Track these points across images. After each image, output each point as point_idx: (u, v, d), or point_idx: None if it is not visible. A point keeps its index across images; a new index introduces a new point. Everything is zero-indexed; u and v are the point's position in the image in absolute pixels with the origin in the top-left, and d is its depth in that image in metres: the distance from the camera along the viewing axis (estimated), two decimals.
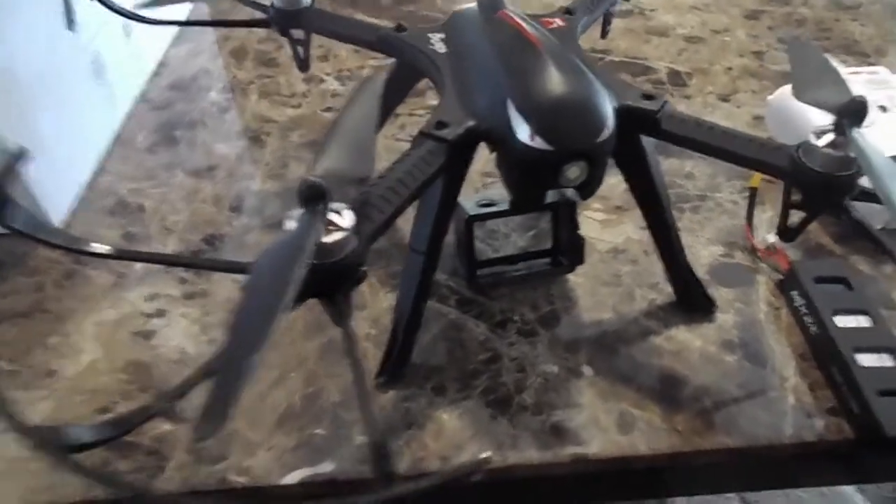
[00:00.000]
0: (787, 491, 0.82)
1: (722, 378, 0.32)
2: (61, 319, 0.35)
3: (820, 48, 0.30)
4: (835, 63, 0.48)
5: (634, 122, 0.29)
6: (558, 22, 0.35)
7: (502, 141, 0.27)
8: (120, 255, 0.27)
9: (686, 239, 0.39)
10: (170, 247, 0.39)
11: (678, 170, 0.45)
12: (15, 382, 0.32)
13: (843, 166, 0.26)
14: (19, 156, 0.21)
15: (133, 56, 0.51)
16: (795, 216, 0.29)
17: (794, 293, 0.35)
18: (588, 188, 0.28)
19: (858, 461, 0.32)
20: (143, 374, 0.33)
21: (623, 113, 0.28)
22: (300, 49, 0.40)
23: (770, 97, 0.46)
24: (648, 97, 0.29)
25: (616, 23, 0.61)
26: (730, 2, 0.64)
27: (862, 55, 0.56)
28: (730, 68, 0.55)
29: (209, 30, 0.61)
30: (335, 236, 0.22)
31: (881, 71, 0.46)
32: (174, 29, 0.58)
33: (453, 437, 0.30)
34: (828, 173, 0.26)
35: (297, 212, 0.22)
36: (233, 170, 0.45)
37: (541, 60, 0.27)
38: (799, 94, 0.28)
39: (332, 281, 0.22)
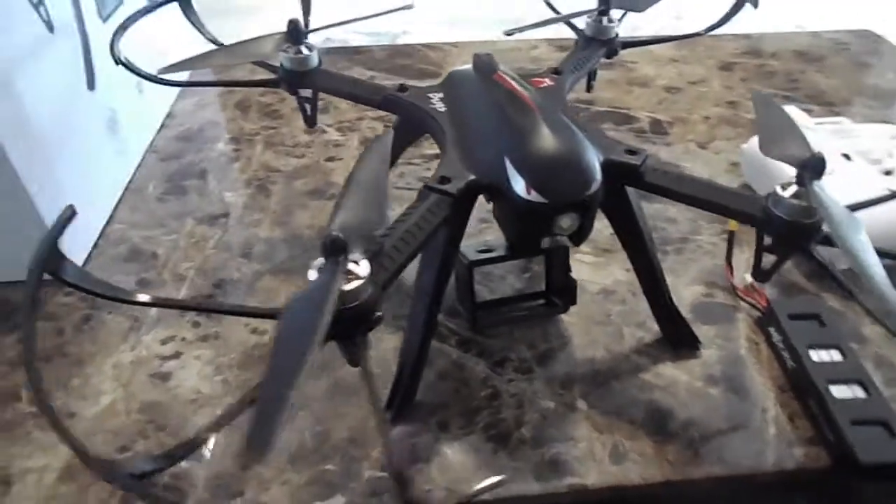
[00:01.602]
0: None
1: (708, 411, 0.35)
2: (81, 363, 0.37)
3: (780, 105, 0.33)
4: (802, 113, 0.52)
5: (619, 174, 0.32)
6: (547, 82, 0.38)
7: (500, 194, 0.30)
8: (156, 304, 0.29)
9: (669, 279, 0.42)
10: (182, 292, 0.41)
11: (661, 214, 0.48)
12: (39, 424, 0.34)
13: (806, 214, 0.29)
14: (70, 216, 0.23)
15: (144, 111, 0.54)
16: (769, 258, 0.32)
17: (772, 329, 0.38)
18: (579, 235, 0.31)
19: (832, 492, 0.34)
20: (160, 413, 0.35)
21: (609, 167, 0.31)
22: (307, 106, 0.42)
23: (744, 145, 0.49)
24: (631, 152, 0.32)
25: (601, 74, 0.65)
26: (706, 54, 0.69)
27: (828, 105, 0.61)
28: (707, 117, 0.59)
29: None
30: (354, 284, 0.24)
31: (844, 121, 0.49)
32: None
33: (458, 471, 0.32)
34: (794, 221, 0.29)
35: (319, 262, 0.24)
36: (241, 217, 0.47)
37: (534, 120, 0.30)
38: (765, 150, 0.31)
39: (351, 324, 0.24)
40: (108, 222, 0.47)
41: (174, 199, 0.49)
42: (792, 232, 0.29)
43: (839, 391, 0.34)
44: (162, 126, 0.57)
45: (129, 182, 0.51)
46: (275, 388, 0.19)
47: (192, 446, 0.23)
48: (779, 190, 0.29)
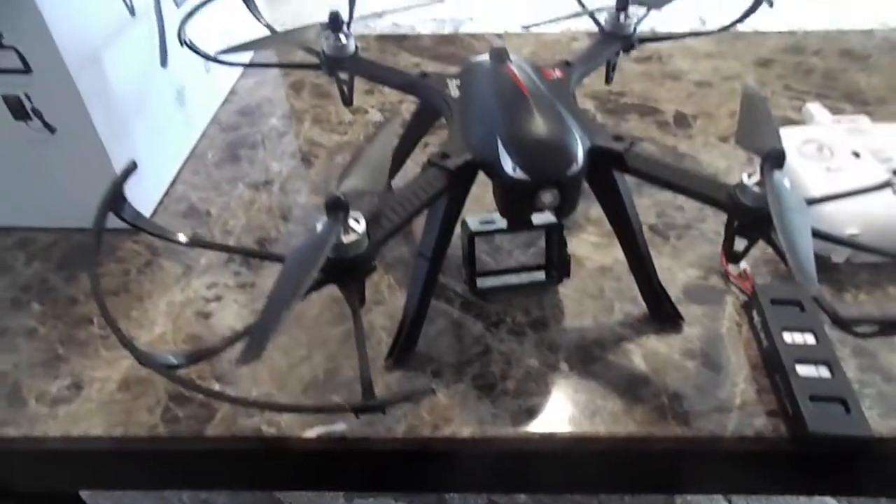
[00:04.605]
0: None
1: (681, 380, 0.38)
2: (140, 299, 0.44)
3: (767, 101, 0.35)
4: (822, 110, 0.53)
5: (605, 159, 0.35)
6: (557, 73, 0.42)
7: (492, 171, 0.34)
8: (195, 244, 0.35)
9: (667, 262, 0.45)
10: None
11: (671, 201, 0.50)
12: (105, 344, 0.40)
13: (766, 202, 0.31)
14: (132, 168, 0.29)
15: (210, 88, 0.60)
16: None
17: (754, 312, 0.40)
18: (563, 211, 0.35)
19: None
20: (200, 344, 0.41)
21: (595, 151, 0.35)
22: (345, 87, 0.47)
23: None
24: (618, 139, 0.35)
25: (634, 67, 0.68)
26: (745, 50, 0.69)
27: (863, 104, 0.61)
28: (734, 112, 0.60)
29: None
30: (351, 237, 0.29)
31: (862, 120, 0.50)
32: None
33: (444, 412, 0.36)
34: (756, 207, 0.31)
35: (324, 218, 0.29)
36: (284, 185, 0.53)
37: (527, 107, 0.34)
38: (739, 140, 0.33)
39: (346, 271, 0.29)
40: (172, 183, 0.54)
41: (229, 165, 0.56)
42: (753, 217, 0.32)
43: (805, 370, 0.36)
44: (225, 101, 0.63)
45: (193, 149, 0.57)
46: (272, 309, 0.25)
47: (210, 353, 0.29)
48: (745, 179, 0.32)
